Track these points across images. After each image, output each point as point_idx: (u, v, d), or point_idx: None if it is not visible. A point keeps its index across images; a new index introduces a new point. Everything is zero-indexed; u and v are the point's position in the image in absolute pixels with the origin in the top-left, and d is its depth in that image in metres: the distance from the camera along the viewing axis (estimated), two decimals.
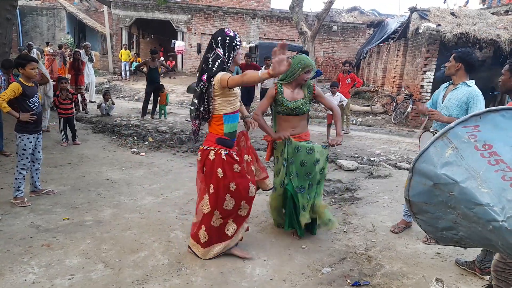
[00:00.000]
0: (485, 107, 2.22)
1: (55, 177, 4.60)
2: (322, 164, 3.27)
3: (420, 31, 10.59)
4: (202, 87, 2.61)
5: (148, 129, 7.68)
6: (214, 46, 2.65)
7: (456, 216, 1.22)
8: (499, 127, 1.19)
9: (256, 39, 19.21)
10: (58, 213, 3.59)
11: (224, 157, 2.68)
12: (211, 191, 2.72)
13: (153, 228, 3.34)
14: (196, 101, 2.68)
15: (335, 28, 20.22)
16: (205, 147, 2.73)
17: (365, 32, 20.97)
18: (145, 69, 9.04)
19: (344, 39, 20.27)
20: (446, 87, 3.35)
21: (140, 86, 14.64)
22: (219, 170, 2.67)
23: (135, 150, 6.05)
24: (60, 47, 13.53)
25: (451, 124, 1.24)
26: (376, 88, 14.55)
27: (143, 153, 5.94)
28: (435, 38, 9.83)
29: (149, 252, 2.93)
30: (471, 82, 3.16)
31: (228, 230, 2.83)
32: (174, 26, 19.35)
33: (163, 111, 9.17)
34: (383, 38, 15.89)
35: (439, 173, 1.22)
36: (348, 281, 2.77)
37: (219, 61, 2.60)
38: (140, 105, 9.56)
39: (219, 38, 2.65)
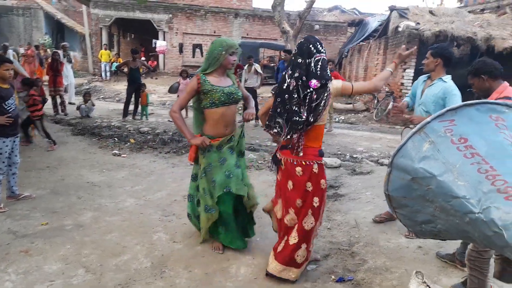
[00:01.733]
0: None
1: (33, 181, 4.47)
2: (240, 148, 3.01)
3: (400, 29, 10.75)
4: (311, 94, 2.36)
5: (129, 130, 7.56)
6: (315, 51, 2.45)
7: (434, 209, 1.23)
8: (474, 120, 1.21)
9: (239, 38, 19.16)
10: (36, 218, 3.49)
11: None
12: (316, 204, 2.54)
13: (135, 231, 3.28)
14: (298, 110, 2.37)
15: (317, 27, 20.36)
16: (307, 162, 2.47)
17: (346, 31, 21.19)
18: (126, 70, 8.90)
19: (326, 38, 20.41)
20: (424, 80, 3.40)
21: (121, 87, 14.40)
22: (322, 181, 2.54)
23: (116, 152, 5.94)
24: (37, 47, 13.18)
25: (428, 119, 1.25)
26: None
27: (125, 155, 5.84)
28: (414, 36, 10.00)
29: (132, 255, 2.88)
30: (447, 78, 3.21)
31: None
32: (155, 26, 19.11)
33: (144, 112, 9.05)
34: (364, 36, 16.08)
35: (417, 167, 1.23)
36: (333, 277, 2.79)
37: (325, 65, 2.47)
38: (121, 106, 9.41)
39: (317, 43, 2.50)
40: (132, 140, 6.65)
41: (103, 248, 2.97)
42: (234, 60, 2.80)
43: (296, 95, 2.40)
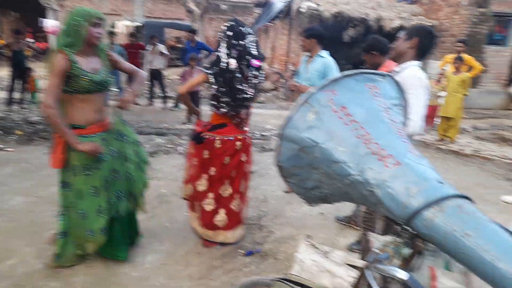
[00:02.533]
0: None
1: None
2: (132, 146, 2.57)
3: (302, 10, 11.19)
4: (255, 72, 2.67)
5: (15, 121, 6.64)
6: (246, 32, 2.67)
7: (320, 175, 1.28)
8: (353, 90, 1.27)
9: (141, 17, 18.01)
10: None
11: None
12: (247, 171, 2.96)
13: (24, 231, 2.91)
14: (244, 88, 2.64)
15: (224, 7, 20.12)
16: (245, 136, 2.87)
17: (253, 12, 21.35)
18: (8, 53, 7.74)
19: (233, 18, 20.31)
20: (306, 59, 3.67)
21: (4, 72, 12.55)
22: (250, 150, 2.94)
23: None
24: None
25: (313, 90, 1.28)
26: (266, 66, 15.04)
27: (11, 149, 5.13)
28: (315, 17, 10.51)
29: (19, 259, 2.54)
30: (324, 53, 3.55)
31: None
32: (42, 3, 16.90)
33: (34, 100, 8.04)
34: (270, 17, 16.37)
35: (304, 137, 1.25)
36: (241, 251, 2.85)
37: (259, 45, 2.80)
38: (4, 94, 8.21)
39: (244, 24, 2.74)
40: (19, 132, 5.86)
41: None
42: (99, 33, 2.24)
43: (239, 75, 2.59)
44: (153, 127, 6.48)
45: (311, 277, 1.14)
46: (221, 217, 2.83)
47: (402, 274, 0.82)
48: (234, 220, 2.90)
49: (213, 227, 2.84)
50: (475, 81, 9.52)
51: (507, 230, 1.02)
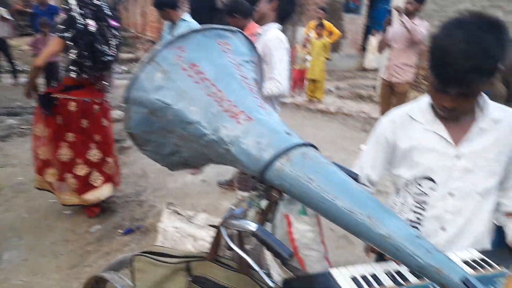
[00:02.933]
0: None
1: None
2: None
3: None
4: (115, 33, 2.61)
5: None
6: None
7: (176, 139, 1.22)
8: (202, 46, 1.21)
9: None
10: None
11: None
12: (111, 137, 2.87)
13: None
14: (106, 49, 2.53)
15: None
16: (103, 100, 2.75)
17: None
18: None
19: None
20: (170, 26, 3.62)
21: None
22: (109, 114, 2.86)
23: None
24: None
25: (158, 47, 1.18)
26: (137, 34, 14.05)
27: None
28: None
29: None
30: (187, 17, 3.51)
31: None
32: None
33: None
34: None
35: (152, 99, 1.16)
36: (120, 231, 2.68)
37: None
38: None
39: None
40: None
41: None
42: None
43: (100, 36, 2.48)
44: (3, 107, 5.51)
45: (175, 245, 1.10)
46: (95, 177, 2.73)
47: (252, 226, 0.83)
48: (107, 176, 2.80)
49: (90, 187, 2.71)
50: (335, 46, 10.55)
51: (345, 169, 1.12)
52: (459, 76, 0.90)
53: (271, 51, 2.26)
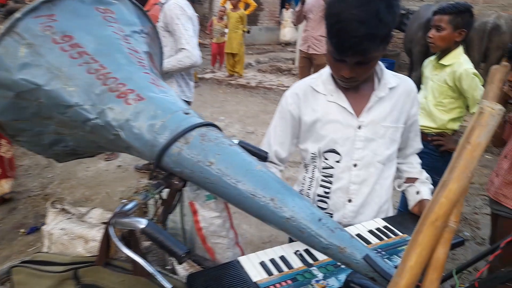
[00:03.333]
0: None
1: None
2: None
3: None
4: None
5: None
6: None
7: (56, 126, 1.03)
8: (79, 14, 1.02)
9: None
10: None
11: None
12: None
13: None
14: None
15: None
16: None
17: None
18: None
19: None
20: None
21: None
22: None
23: None
24: None
25: (18, 15, 0.96)
26: None
27: None
28: None
29: None
30: None
31: None
32: None
33: None
34: None
35: (17, 79, 0.96)
36: (22, 230, 2.38)
37: None
38: None
39: None
40: None
41: None
42: None
43: None
44: None
45: (64, 249, 0.95)
46: None
47: (141, 223, 0.72)
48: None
49: None
50: (253, 19, 10.45)
51: (254, 148, 1.05)
52: (354, 42, 0.87)
53: (173, 20, 2.08)
